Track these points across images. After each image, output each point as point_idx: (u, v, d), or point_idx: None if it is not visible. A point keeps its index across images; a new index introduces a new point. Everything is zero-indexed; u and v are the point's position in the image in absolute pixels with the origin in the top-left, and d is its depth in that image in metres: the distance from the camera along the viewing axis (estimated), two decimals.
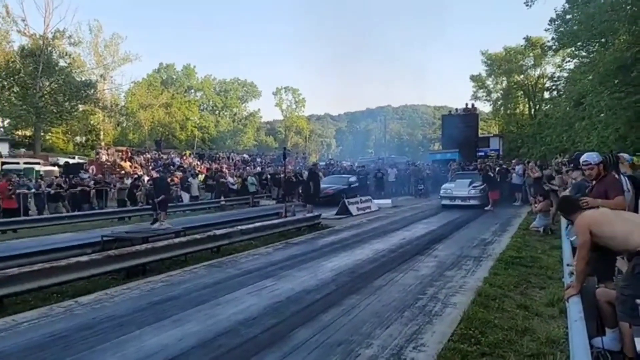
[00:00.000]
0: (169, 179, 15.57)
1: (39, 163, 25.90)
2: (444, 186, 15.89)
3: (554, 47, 25.03)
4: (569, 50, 25.47)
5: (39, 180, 17.50)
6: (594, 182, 4.23)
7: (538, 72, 40.96)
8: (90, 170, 22.83)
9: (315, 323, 4.18)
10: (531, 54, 39.13)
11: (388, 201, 16.99)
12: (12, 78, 32.17)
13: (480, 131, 33.76)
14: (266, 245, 8.58)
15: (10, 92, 32.24)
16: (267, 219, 11.73)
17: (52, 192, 14.85)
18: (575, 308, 2.88)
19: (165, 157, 31.16)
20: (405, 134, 78.43)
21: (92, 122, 41.87)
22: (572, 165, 9.62)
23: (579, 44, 21.40)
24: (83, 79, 36.86)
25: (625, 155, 5.87)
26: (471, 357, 3.33)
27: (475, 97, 44.79)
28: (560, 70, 34.01)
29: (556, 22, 22.15)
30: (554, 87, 35.61)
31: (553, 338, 3.61)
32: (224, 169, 24.97)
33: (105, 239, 7.72)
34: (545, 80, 39.58)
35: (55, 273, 5.14)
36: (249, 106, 66.91)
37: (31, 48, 33.35)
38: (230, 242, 8.11)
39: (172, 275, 6.25)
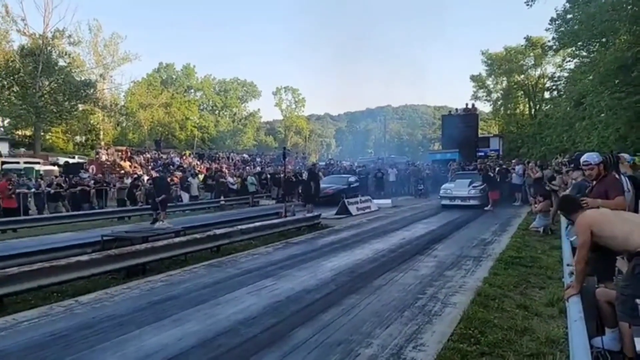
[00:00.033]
0: (168, 179, 15.56)
1: (38, 163, 25.90)
2: (443, 186, 15.89)
3: (554, 47, 25.01)
4: (569, 50, 25.45)
5: (39, 180, 17.51)
6: (594, 182, 4.23)
7: (538, 72, 40.97)
8: (90, 170, 22.83)
9: (315, 322, 4.18)
10: (531, 54, 39.10)
11: (388, 201, 17.00)
12: (11, 77, 32.15)
13: (480, 131, 33.75)
14: (266, 245, 8.58)
15: (10, 92, 32.21)
16: (266, 218, 11.73)
17: (52, 191, 14.86)
18: (575, 308, 2.88)
19: (164, 156, 31.16)
20: (405, 134, 78.42)
21: (91, 121, 41.86)
22: (572, 165, 9.63)
23: (579, 43, 21.39)
24: (83, 78, 36.84)
25: (626, 156, 5.89)
26: (471, 357, 3.33)
27: (475, 97, 44.83)
28: (561, 70, 34.05)
29: (557, 22, 22.12)
30: (554, 87, 35.62)
31: (553, 338, 3.62)
32: (224, 169, 24.97)
33: (105, 238, 7.72)
34: (545, 80, 39.57)
35: (55, 272, 5.15)
36: (249, 106, 67.04)
37: (31, 47, 33.33)
38: (230, 242, 8.11)
39: (172, 274, 6.25)
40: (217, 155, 35.80)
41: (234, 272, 6.38)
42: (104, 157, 27.72)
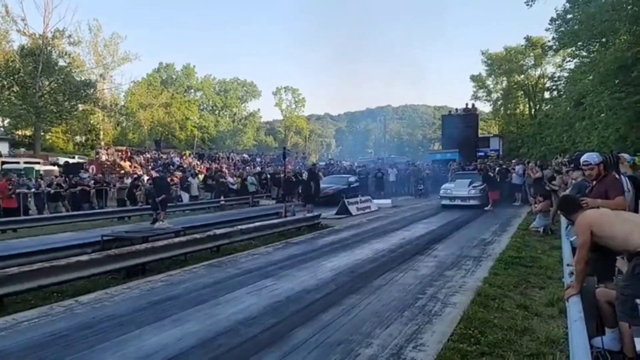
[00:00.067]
0: (168, 179, 15.57)
1: (38, 163, 25.90)
2: (443, 186, 15.89)
3: (554, 47, 25.01)
4: (569, 50, 25.44)
5: (39, 180, 17.51)
6: (594, 183, 4.23)
7: (538, 72, 40.97)
8: (90, 170, 22.83)
9: (315, 322, 4.18)
10: (531, 54, 39.09)
11: (388, 201, 17.00)
12: (11, 77, 32.14)
13: (480, 131, 33.74)
14: (266, 244, 8.58)
15: (10, 92, 32.21)
16: (266, 218, 11.73)
17: (52, 191, 14.86)
18: (575, 308, 2.88)
19: (164, 156, 31.16)
20: (405, 134, 78.43)
21: (91, 121, 41.86)
22: (572, 165, 9.63)
23: (579, 43, 21.39)
24: (83, 78, 36.84)
25: (626, 156, 5.89)
26: (471, 357, 3.33)
27: (475, 97, 44.82)
28: (561, 70, 34.04)
29: (557, 22, 22.12)
30: (554, 87, 35.60)
31: (553, 338, 3.62)
32: (224, 169, 24.97)
33: (105, 238, 7.72)
34: (545, 80, 39.57)
35: (55, 272, 5.15)
36: (249, 106, 67.04)
37: (31, 47, 33.33)
38: (230, 242, 8.11)
39: (172, 274, 6.25)
40: (217, 155, 35.80)
41: (234, 272, 6.38)
42: (104, 157, 27.72)
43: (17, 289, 4.81)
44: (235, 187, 19.73)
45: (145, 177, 19.34)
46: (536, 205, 9.81)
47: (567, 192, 6.52)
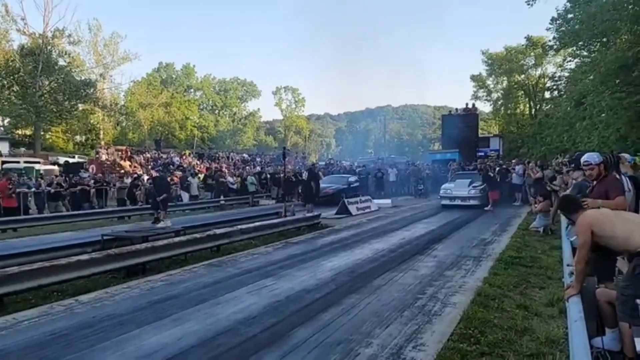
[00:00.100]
0: (168, 178, 15.58)
1: (39, 162, 25.89)
2: (443, 186, 15.89)
3: (555, 46, 24.99)
4: (570, 49, 25.43)
5: (39, 179, 17.53)
6: (594, 183, 4.23)
7: (539, 71, 40.96)
8: (90, 170, 22.84)
9: (315, 322, 4.18)
10: (532, 54, 39.07)
11: (388, 201, 17.00)
12: (11, 77, 32.13)
13: (480, 131, 33.73)
14: (266, 244, 8.58)
15: (10, 91, 32.20)
16: (266, 218, 11.74)
17: (52, 191, 14.86)
18: (575, 308, 2.88)
19: (164, 156, 31.17)
20: (405, 134, 78.41)
21: (91, 121, 41.84)
22: (572, 165, 9.62)
23: (580, 43, 21.37)
24: (82, 78, 36.81)
25: (626, 156, 5.89)
26: (471, 357, 3.33)
27: (475, 97, 44.81)
28: (561, 70, 34.03)
29: (557, 22, 22.09)
30: (554, 87, 35.59)
31: (552, 338, 3.61)
32: (224, 169, 24.97)
33: (105, 237, 7.73)
34: (546, 80, 39.55)
35: (55, 272, 5.15)
36: (249, 106, 66.99)
37: (31, 47, 33.31)
38: (230, 242, 8.11)
39: (172, 274, 6.25)
40: (217, 155, 35.81)
41: (234, 271, 6.38)
42: (104, 157, 27.73)
43: (17, 288, 4.82)
44: (235, 186, 19.73)
45: (145, 177, 19.34)
46: (536, 205, 9.81)
47: (568, 192, 6.52)
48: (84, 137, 43.34)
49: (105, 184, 17.41)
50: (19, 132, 38.65)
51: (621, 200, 3.86)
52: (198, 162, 31.22)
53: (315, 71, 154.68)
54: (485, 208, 14.34)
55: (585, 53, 22.73)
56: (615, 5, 16.46)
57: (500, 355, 3.35)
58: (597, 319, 3.20)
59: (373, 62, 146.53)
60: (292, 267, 6.59)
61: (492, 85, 45.02)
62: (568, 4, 20.99)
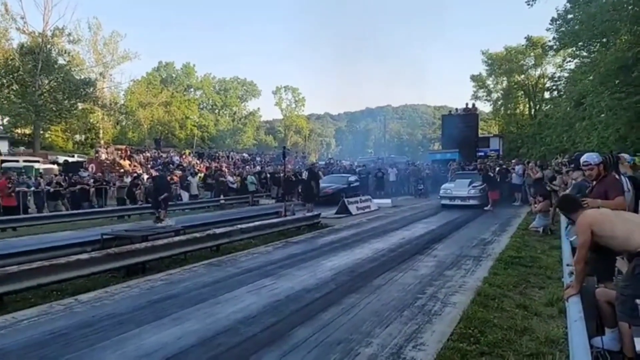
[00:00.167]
0: (168, 178, 15.58)
1: (38, 161, 25.88)
2: (443, 186, 15.89)
3: (554, 46, 25.00)
4: (569, 50, 25.43)
5: (39, 179, 17.51)
6: (594, 183, 4.23)
7: (539, 72, 40.97)
8: (90, 169, 22.84)
9: (315, 322, 4.18)
10: (532, 54, 39.08)
11: (388, 201, 17.01)
12: (11, 76, 32.08)
13: (480, 131, 33.72)
14: (266, 244, 8.58)
15: (10, 90, 32.15)
16: (266, 218, 11.74)
17: (52, 190, 14.85)
18: (574, 308, 2.88)
19: (164, 155, 31.17)
20: (405, 134, 78.42)
21: (91, 120, 41.79)
22: (572, 165, 9.63)
23: (580, 43, 21.38)
24: (82, 77, 36.78)
25: (626, 156, 5.89)
26: (470, 357, 3.33)
27: (475, 97, 44.84)
28: (561, 70, 34.04)
29: (557, 22, 22.11)
30: (554, 87, 35.59)
31: (552, 338, 3.62)
32: (224, 168, 24.96)
33: (105, 237, 7.73)
34: (545, 80, 39.57)
35: (54, 271, 5.14)
36: (249, 105, 67.03)
37: (30, 46, 33.27)
38: (229, 241, 8.11)
39: (172, 273, 6.25)
40: (217, 154, 35.82)
41: (234, 271, 6.38)
42: (103, 156, 27.73)
43: (16, 288, 4.81)
44: (235, 186, 19.73)
45: (145, 176, 19.34)
46: (536, 205, 9.82)
47: (567, 192, 6.52)
48: (83, 136, 43.32)
49: (104, 183, 17.41)
50: (19, 131, 38.62)
51: (620, 201, 3.86)
52: (198, 162, 31.22)
53: (315, 71, 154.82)
54: (485, 208, 14.35)
55: (585, 53, 22.74)
56: (615, 6, 16.47)
57: (500, 355, 3.36)
58: (597, 318, 3.20)
59: (373, 62, 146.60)
60: (292, 266, 6.59)
61: (492, 85, 45.06)
62: (568, 5, 21.01)
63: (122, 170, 22.96)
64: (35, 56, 32.14)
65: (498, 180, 15.85)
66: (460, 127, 28.01)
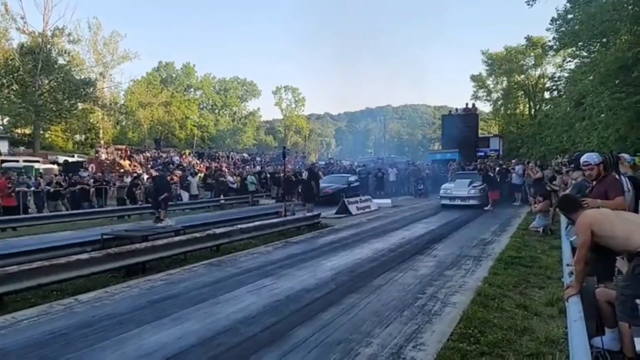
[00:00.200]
0: (168, 177, 15.59)
1: (38, 161, 25.88)
2: (443, 186, 15.89)
3: (554, 47, 25.00)
4: (569, 50, 25.43)
5: (39, 179, 17.51)
6: (594, 183, 4.23)
7: (539, 72, 40.98)
8: (90, 169, 22.84)
9: (315, 322, 4.18)
10: (532, 54, 39.08)
11: (388, 201, 17.00)
12: (11, 76, 32.09)
13: (480, 131, 33.73)
14: (266, 244, 8.58)
15: (10, 90, 32.15)
16: (266, 218, 11.73)
17: (52, 190, 14.85)
18: (574, 308, 2.88)
19: (164, 155, 31.17)
20: (405, 134, 78.43)
21: (91, 120, 41.80)
22: (572, 165, 9.63)
23: (580, 43, 21.38)
24: (82, 77, 36.78)
25: (626, 156, 5.89)
26: (470, 357, 3.33)
27: (475, 97, 44.85)
28: (561, 71, 34.04)
29: (557, 22, 22.10)
30: (554, 87, 35.61)
31: (552, 338, 3.62)
32: (224, 168, 24.96)
33: (105, 237, 7.73)
34: (545, 80, 39.57)
35: (54, 271, 5.14)
36: (249, 105, 67.04)
37: (30, 46, 33.27)
38: (229, 241, 8.11)
39: (172, 273, 6.25)
40: (217, 154, 35.82)
41: (234, 271, 6.38)
42: (103, 156, 27.73)
43: (16, 288, 4.81)
44: (235, 186, 19.73)
45: (145, 176, 19.34)
46: (536, 205, 9.82)
47: (567, 192, 6.52)
48: (83, 136, 43.33)
49: (104, 183, 17.41)
50: (19, 131, 38.61)
51: (620, 201, 3.86)
52: (198, 162, 31.22)
53: (315, 71, 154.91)
54: (485, 208, 14.35)
55: (585, 53, 22.74)
56: (615, 6, 16.47)
57: (500, 355, 3.36)
58: (597, 318, 3.20)
59: (373, 62, 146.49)
60: (292, 266, 6.59)
61: (492, 85, 45.06)
62: (568, 5, 21.01)
63: (122, 170, 22.96)
64: (35, 56, 32.15)
65: (498, 180, 15.85)
66: (460, 127, 28.01)
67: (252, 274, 6.17)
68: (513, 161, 18.83)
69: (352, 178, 19.60)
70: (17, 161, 24.68)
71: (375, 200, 16.18)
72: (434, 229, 10.42)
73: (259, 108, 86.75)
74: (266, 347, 3.59)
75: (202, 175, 22.60)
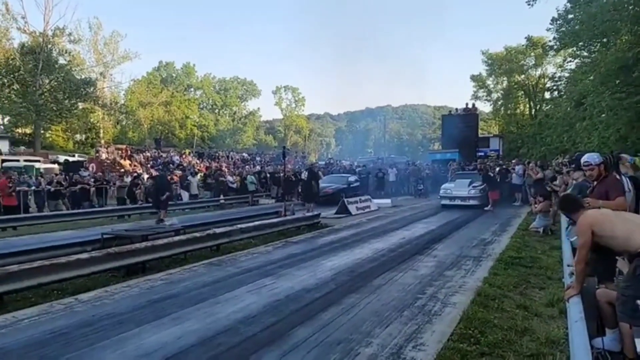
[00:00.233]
0: (168, 177, 15.59)
1: (39, 161, 25.90)
2: (443, 186, 15.89)
3: (555, 47, 24.97)
4: (570, 50, 25.41)
5: (39, 178, 17.50)
6: (595, 183, 4.23)
7: (539, 72, 40.95)
8: (90, 168, 22.83)
9: (315, 322, 4.18)
10: (532, 54, 39.05)
11: (388, 201, 17.00)
12: (12, 75, 32.11)
13: (480, 131, 33.74)
14: (266, 244, 8.58)
15: (10, 90, 32.18)
16: (266, 217, 11.73)
17: (52, 189, 14.86)
18: (575, 308, 2.88)
19: (164, 155, 31.18)
20: (405, 134, 78.42)
21: (91, 120, 41.82)
22: (573, 165, 9.61)
23: (580, 43, 21.36)
24: (83, 76, 36.81)
25: (627, 156, 5.86)
26: (470, 357, 3.33)
27: (475, 97, 44.82)
28: (561, 71, 34.03)
29: (558, 22, 22.08)
30: (554, 87, 35.60)
31: (553, 338, 3.61)
32: (224, 168, 24.96)
33: (105, 236, 7.73)
34: (546, 80, 39.56)
35: (55, 270, 5.14)
36: (249, 105, 67.08)
37: (31, 45, 33.29)
38: (229, 241, 8.11)
39: (172, 273, 6.25)
40: (217, 154, 35.83)
41: (234, 270, 6.38)
42: (104, 156, 27.73)
43: (17, 287, 4.81)
44: (234, 186, 19.73)
45: (145, 176, 19.34)
46: (536, 206, 9.81)
47: (568, 192, 6.51)
48: (84, 135, 43.36)
49: (105, 183, 17.40)
50: (19, 130, 38.65)
51: (621, 201, 3.86)
52: (198, 161, 31.23)
53: (315, 71, 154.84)
54: (485, 208, 14.34)
55: (585, 53, 22.72)
56: (615, 6, 16.45)
57: (500, 356, 3.35)
58: (598, 319, 3.20)
59: (373, 62, 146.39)
60: (291, 266, 6.58)
61: (492, 86, 45.04)
62: (568, 5, 20.98)
63: (122, 169, 22.96)
64: (36, 56, 32.17)
65: (498, 180, 15.85)
66: (460, 127, 28.01)
67: (252, 273, 6.17)
68: (513, 161, 18.82)
69: (352, 178, 19.60)
70: (18, 161, 24.70)
71: (375, 200, 16.17)
72: (434, 229, 10.42)
73: (259, 108, 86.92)
74: (266, 346, 3.59)
75: (202, 175, 22.60)
